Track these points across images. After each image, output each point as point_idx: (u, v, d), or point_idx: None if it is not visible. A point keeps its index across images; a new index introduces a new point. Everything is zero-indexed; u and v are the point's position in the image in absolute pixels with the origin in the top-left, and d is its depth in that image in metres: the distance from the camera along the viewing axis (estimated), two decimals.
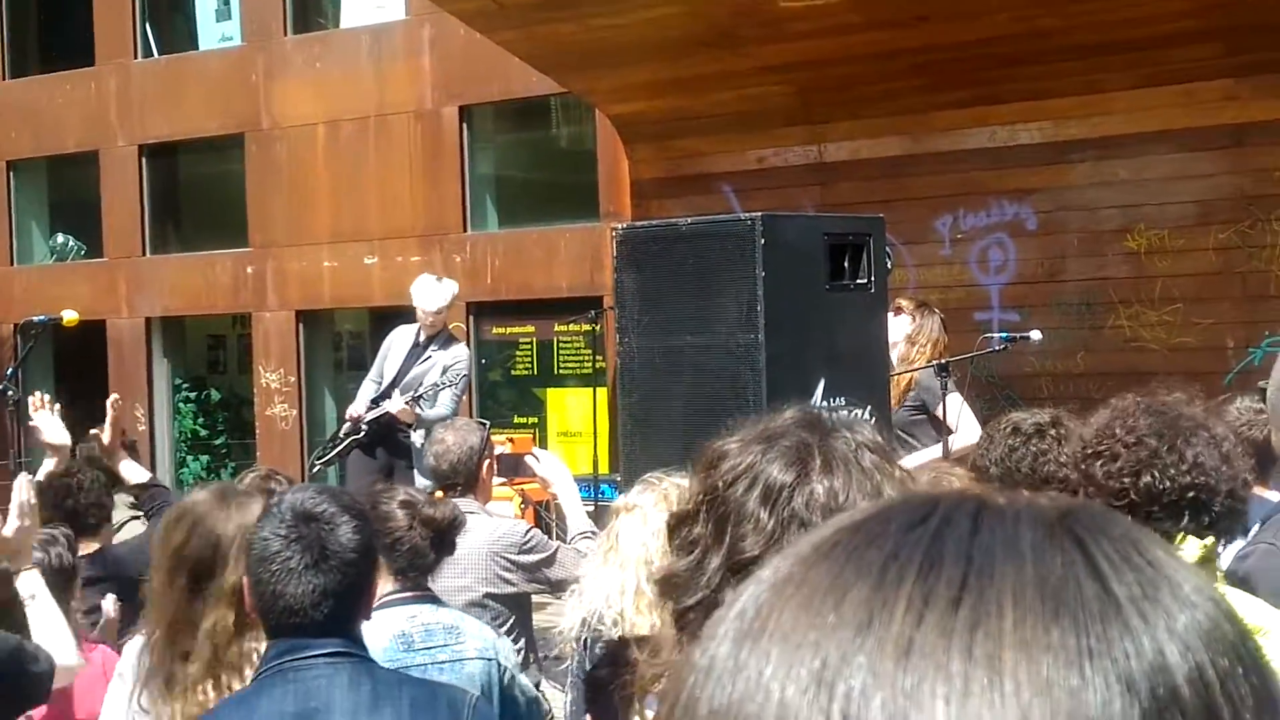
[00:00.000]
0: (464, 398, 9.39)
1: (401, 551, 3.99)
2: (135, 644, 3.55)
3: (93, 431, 5.82)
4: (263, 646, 2.93)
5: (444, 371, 8.79)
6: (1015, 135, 10.13)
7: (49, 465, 5.52)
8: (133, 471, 5.32)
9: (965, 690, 0.59)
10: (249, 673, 3.06)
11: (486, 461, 5.57)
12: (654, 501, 3.85)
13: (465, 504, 5.30)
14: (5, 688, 3.63)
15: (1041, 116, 9.95)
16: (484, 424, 5.81)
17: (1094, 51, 9.32)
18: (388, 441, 8.94)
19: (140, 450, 13.91)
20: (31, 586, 4.01)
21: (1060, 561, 0.63)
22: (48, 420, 5.41)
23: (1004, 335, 7.90)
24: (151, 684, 3.29)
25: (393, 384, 8.85)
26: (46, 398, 5.54)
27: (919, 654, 0.60)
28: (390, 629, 3.89)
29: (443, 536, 4.10)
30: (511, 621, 5.29)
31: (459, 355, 8.95)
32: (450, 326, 9.37)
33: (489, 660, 4.04)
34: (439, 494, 4.98)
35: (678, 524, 1.87)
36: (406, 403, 8.53)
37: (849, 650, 0.61)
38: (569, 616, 3.91)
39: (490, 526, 5.42)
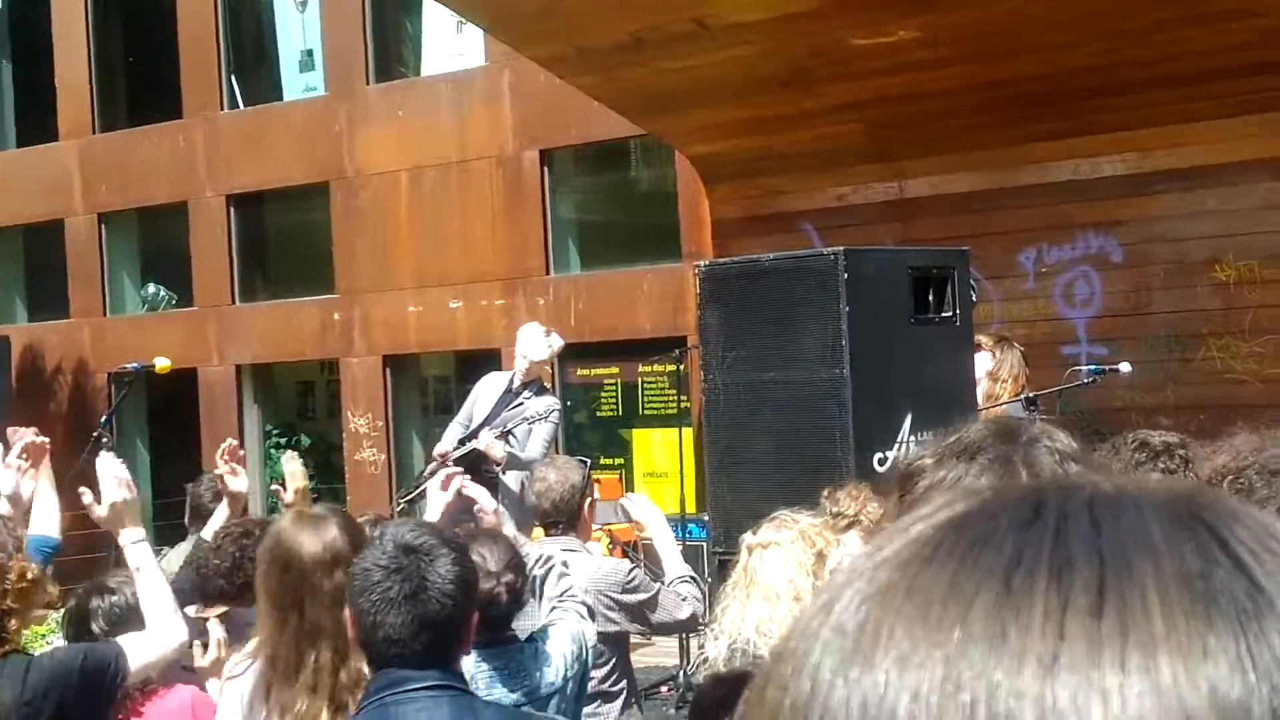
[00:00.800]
0: (554, 444, 9.35)
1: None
2: (241, 682, 3.59)
3: (216, 472, 5.93)
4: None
5: (532, 422, 8.70)
6: (1099, 167, 10.06)
7: (223, 514, 5.53)
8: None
9: (1123, 705, 0.54)
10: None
11: (588, 500, 5.60)
12: (791, 539, 3.95)
13: (567, 542, 5.35)
14: (83, 699, 3.71)
15: (1126, 148, 9.88)
16: (585, 462, 5.84)
17: (1180, 81, 9.25)
18: (473, 478, 8.83)
19: (241, 501, 14.04)
20: (138, 559, 4.10)
21: (1198, 554, 0.58)
22: (232, 470, 5.40)
23: (1093, 368, 7.83)
24: (269, 707, 3.32)
25: (481, 427, 8.79)
26: (235, 444, 5.53)
27: (1066, 668, 0.55)
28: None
29: (484, 614, 4.11)
30: (613, 662, 5.30)
31: (551, 404, 8.89)
32: (540, 382, 9.31)
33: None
34: (538, 533, 4.99)
35: None
36: (496, 438, 8.43)
37: (984, 668, 0.56)
38: (712, 648, 3.95)
39: (594, 565, 5.44)
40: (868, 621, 0.59)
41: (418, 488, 9.06)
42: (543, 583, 4.49)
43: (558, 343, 8.95)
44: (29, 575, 3.67)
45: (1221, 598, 0.56)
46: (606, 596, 5.30)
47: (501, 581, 4.04)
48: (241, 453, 5.55)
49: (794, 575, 3.85)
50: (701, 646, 4.07)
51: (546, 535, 5.50)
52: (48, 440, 5.20)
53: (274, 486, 5.52)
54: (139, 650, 3.89)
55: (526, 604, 4.33)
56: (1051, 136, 10.04)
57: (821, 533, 3.99)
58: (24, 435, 5.13)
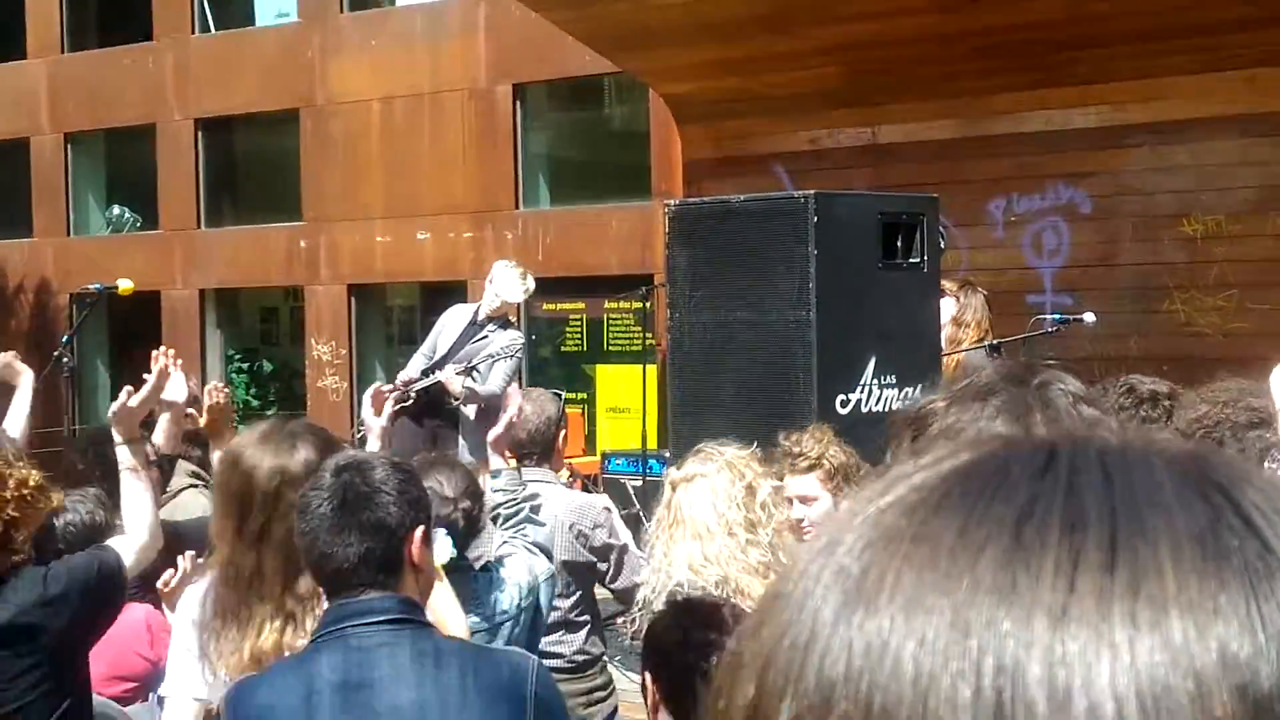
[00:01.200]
0: (516, 378, 9.36)
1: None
2: (195, 590, 3.59)
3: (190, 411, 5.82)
4: None
5: (496, 355, 8.74)
6: (1071, 119, 10.07)
7: (163, 424, 5.47)
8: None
9: (1132, 660, 0.55)
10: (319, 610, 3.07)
11: (562, 432, 5.63)
12: (718, 469, 3.89)
13: (541, 473, 5.38)
14: (98, 602, 3.72)
15: (1098, 100, 9.89)
16: (559, 395, 5.85)
17: (1154, 36, 9.25)
18: (435, 410, 8.86)
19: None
20: (128, 459, 4.09)
21: (1210, 514, 0.58)
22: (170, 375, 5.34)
23: (1057, 317, 7.88)
24: (217, 625, 3.30)
25: (445, 358, 8.80)
26: (171, 352, 5.45)
27: (1076, 621, 0.55)
28: None
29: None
30: (579, 594, 5.34)
31: (515, 338, 8.91)
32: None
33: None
34: (510, 462, 4.99)
35: None
36: (458, 374, 8.47)
37: (992, 617, 0.56)
38: (647, 588, 3.94)
39: (569, 498, 5.48)
40: (872, 566, 0.59)
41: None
42: (505, 520, 4.50)
43: (532, 285, 8.93)
44: (30, 483, 3.61)
45: (1233, 558, 0.56)
46: (577, 528, 5.34)
47: (459, 507, 4.05)
48: (179, 361, 5.38)
49: (724, 509, 3.80)
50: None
51: (519, 465, 5.52)
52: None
53: (190, 412, 5.43)
54: (127, 554, 3.91)
55: (482, 531, 4.34)
56: (1025, 87, 10.04)
57: (749, 464, 3.92)
58: None
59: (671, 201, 6.83)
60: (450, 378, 8.42)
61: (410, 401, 8.72)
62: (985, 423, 1.74)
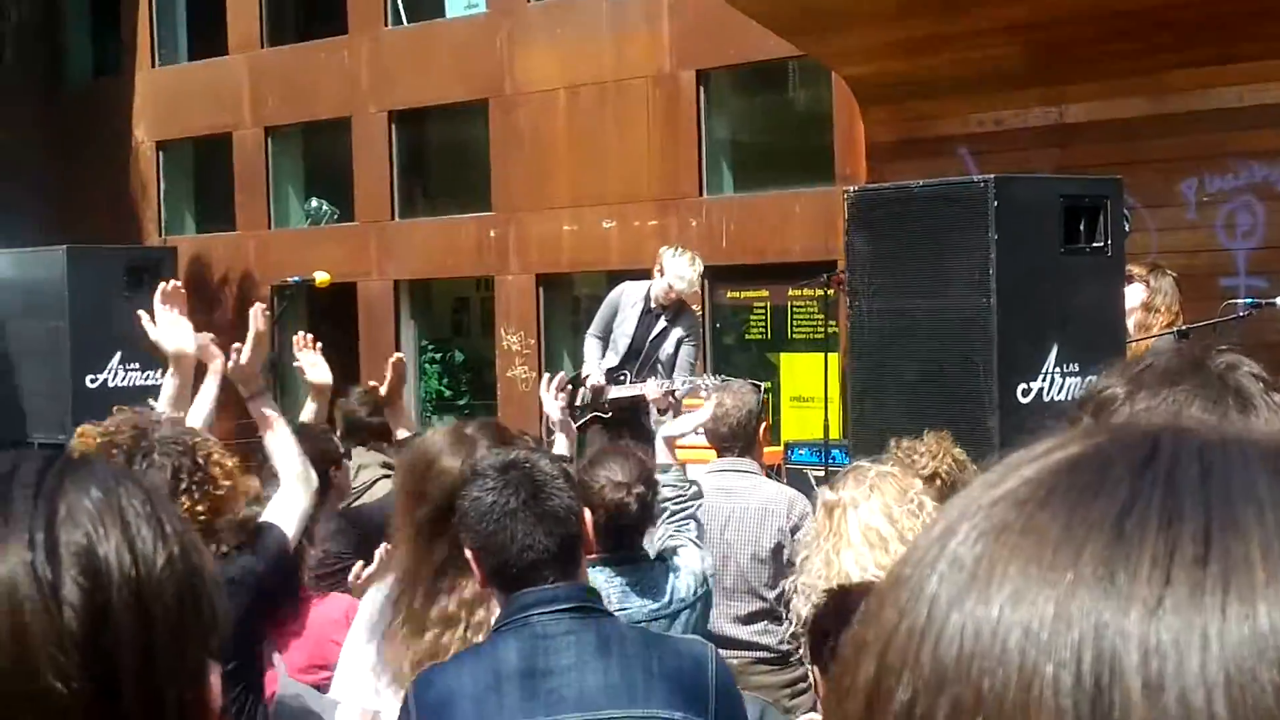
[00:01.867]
0: (698, 363, 9.41)
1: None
2: (377, 593, 3.67)
3: (371, 383, 6.08)
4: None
5: (679, 346, 8.69)
6: (1266, 93, 9.79)
7: (310, 409, 5.61)
8: (403, 425, 5.47)
9: (1221, 648, 0.59)
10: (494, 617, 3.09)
11: (763, 424, 5.78)
12: (865, 495, 3.64)
13: (745, 463, 5.51)
14: (271, 583, 3.70)
15: None
16: (759, 387, 5.96)
17: None
18: (633, 425, 8.56)
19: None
20: (264, 409, 4.09)
21: None
22: (311, 359, 5.38)
23: (1249, 301, 7.68)
24: (394, 628, 3.33)
25: (629, 355, 8.72)
26: (309, 336, 5.44)
27: (1170, 612, 0.59)
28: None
29: (613, 522, 4.12)
30: (784, 586, 5.46)
31: (694, 322, 8.87)
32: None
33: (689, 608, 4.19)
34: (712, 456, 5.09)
35: None
36: (663, 392, 8.28)
37: (1093, 609, 0.60)
38: (800, 598, 3.87)
39: (778, 489, 5.64)
40: (984, 557, 0.63)
41: (582, 416, 8.78)
42: (672, 515, 4.56)
43: (701, 267, 8.88)
44: (226, 472, 3.55)
45: None
46: (791, 519, 5.48)
47: (632, 492, 4.12)
48: (317, 344, 5.48)
49: (897, 515, 3.56)
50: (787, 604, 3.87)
51: (720, 457, 5.64)
52: (179, 283, 5.02)
53: (371, 383, 5.64)
54: (287, 513, 3.85)
55: (657, 520, 4.43)
56: (1214, 62, 9.79)
57: (903, 477, 3.66)
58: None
59: (851, 188, 6.84)
60: (655, 393, 8.26)
61: (608, 414, 8.62)
62: (1185, 408, 1.70)
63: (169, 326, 4.64)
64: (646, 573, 4.23)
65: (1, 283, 10.55)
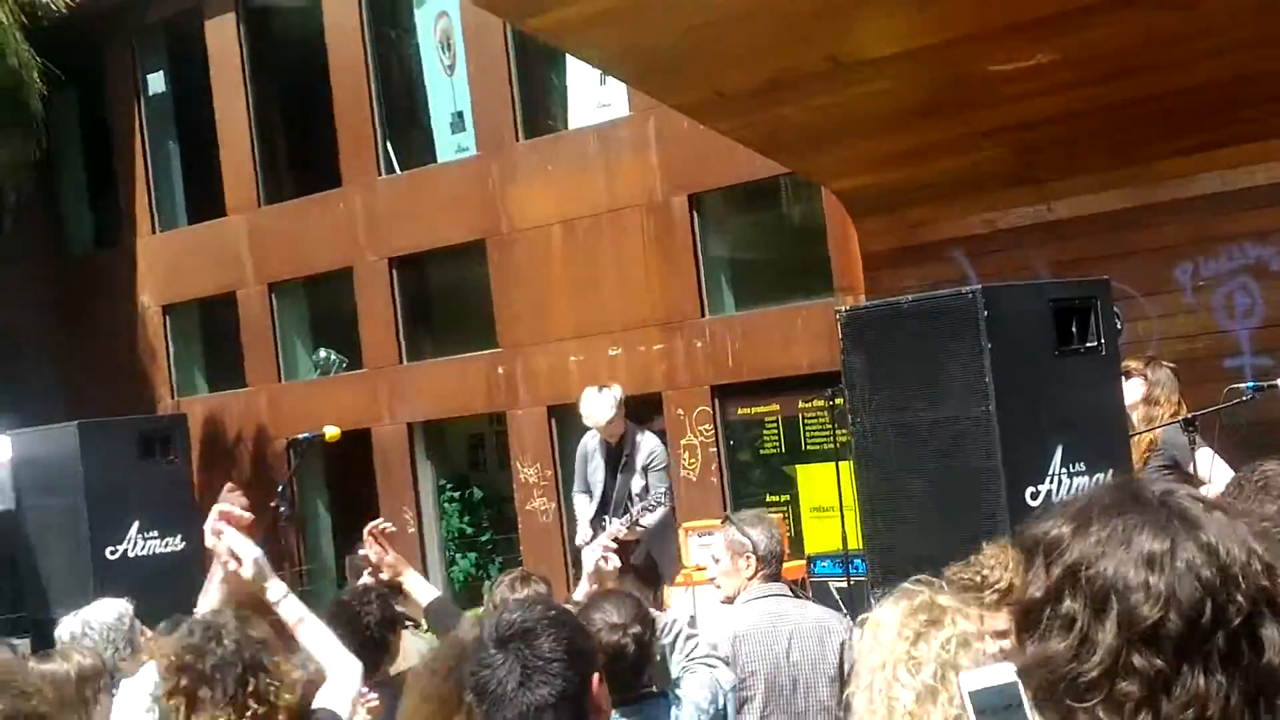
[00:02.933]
0: (669, 473, 9.62)
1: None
2: None
3: (362, 552, 5.90)
4: None
5: (645, 472, 8.99)
6: (1247, 177, 9.89)
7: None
8: (420, 588, 5.33)
9: None
10: None
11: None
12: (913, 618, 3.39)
13: (779, 588, 5.63)
14: None
15: (1271, 157, 9.70)
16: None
17: None
18: (644, 569, 9.16)
19: (410, 552, 14.44)
20: (294, 611, 4.18)
21: None
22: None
23: (1251, 385, 7.73)
24: None
25: (604, 500, 9.09)
26: (387, 526, 5.47)
27: None
28: None
29: (613, 664, 4.12)
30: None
31: (652, 447, 9.15)
32: (632, 424, 9.50)
33: None
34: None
35: (1030, 613, 1.77)
36: (628, 527, 8.76)
37: None
38: None
39: (820, 609, 5.75)
40: None
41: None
42: (671, 648, 4.61)
43: (614, 392, 9.19)
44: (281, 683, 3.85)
45: None
46: (843, 633, 5.63)
47: (628, 633, 4.15)
48: (390, 528, 5.48)
49: (886, 659, 3.28)
50: None
51: (760, 583, 5.73)
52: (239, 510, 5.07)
53: (362, 554, 5.50)
54: (338, 701, 4.02)
55: (657, 657, 4.46)
56: (1199, 149, 9.90)
57: (948, 611, 3.34)
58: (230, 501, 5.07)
59: (841, 307, 6.91)
60: (620, 533, 8.65)
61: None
62: (1129, 535, 1.72)
63: (233, 538, 4.54)
64: (649, 710, 4.26)
65: (18, 462, 10.67)
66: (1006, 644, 3.55)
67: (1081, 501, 1.81)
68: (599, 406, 8.99)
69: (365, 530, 5.41)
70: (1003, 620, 3.75)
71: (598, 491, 9.16)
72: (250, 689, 3.74)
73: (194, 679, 3.82)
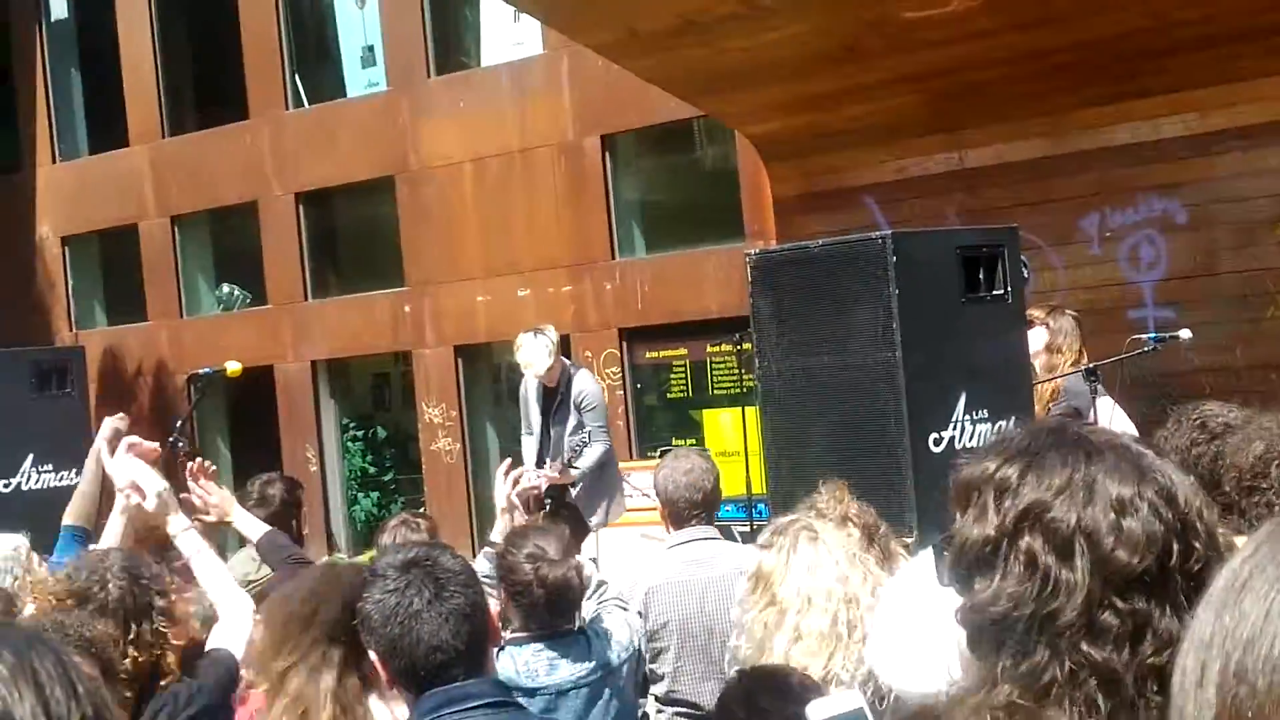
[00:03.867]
0: (607, 413, 9.49)
1: (521, 604, 4.15)
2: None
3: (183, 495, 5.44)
4: (396, 710, 3.00)
5: (579, 410, 8.89)
6: (1159, 129, 9.95)
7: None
8: (249, 525, 5.11)
9: None
10: None
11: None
12: (802, 542, 3.65)
13: (708, 530, 5.54)
14: (225, 708, 3.84)
15: (1184, 109, 9.76)
16: (706, 451, 6.08)
17: (1233, 39, 9.13)
18: (561, 503, 9.06)
19: (312, 490, 14.27)
20: (191, 545, 4.22)
21: None
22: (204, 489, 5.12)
23: (1153, 336, 7.79)
24: None
25: (542, 443, 9.00)
26: (207, 463, 5.26)
27: None
28: (514, 663, 4.08)
29: (560, 597, 4.19)
30: None
31: (584, 387, 9.01)
32: (568, 363, 9.34)
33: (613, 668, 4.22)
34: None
35: (975, 551, 1.74)
36: (559, 471, 8.65)
37: None
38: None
39: (739, 551, 5.67)
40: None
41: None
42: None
43: (550, 335, 8.93)
44: (176, 613, 3.80)
45: None
46: None
47: (571, 566, 4.16)
48: (212, 466, 5.27)
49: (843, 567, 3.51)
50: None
51: (687, 526, 5.64)
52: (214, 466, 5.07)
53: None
54: (233, 640, 4.00)
55: (587, 591, 4.47)
56: (1109, 100, 9.94)
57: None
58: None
59: (750, 251, 6.86)
60: (554, 476, 8.56)
61: (548, 508, 8.90)
62: (1099, 478, 1.71)
63: (138, 470, 4.54)
64: (574, 643, 4.26)
65: None
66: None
67: (1020, 441, 1.78)
68: (538, 354, 8.76)
69: (187, 470, 5.15)
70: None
71: (538, 432, 9.06)
72: (133, 635, 3.66)
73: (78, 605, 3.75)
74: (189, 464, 5.16)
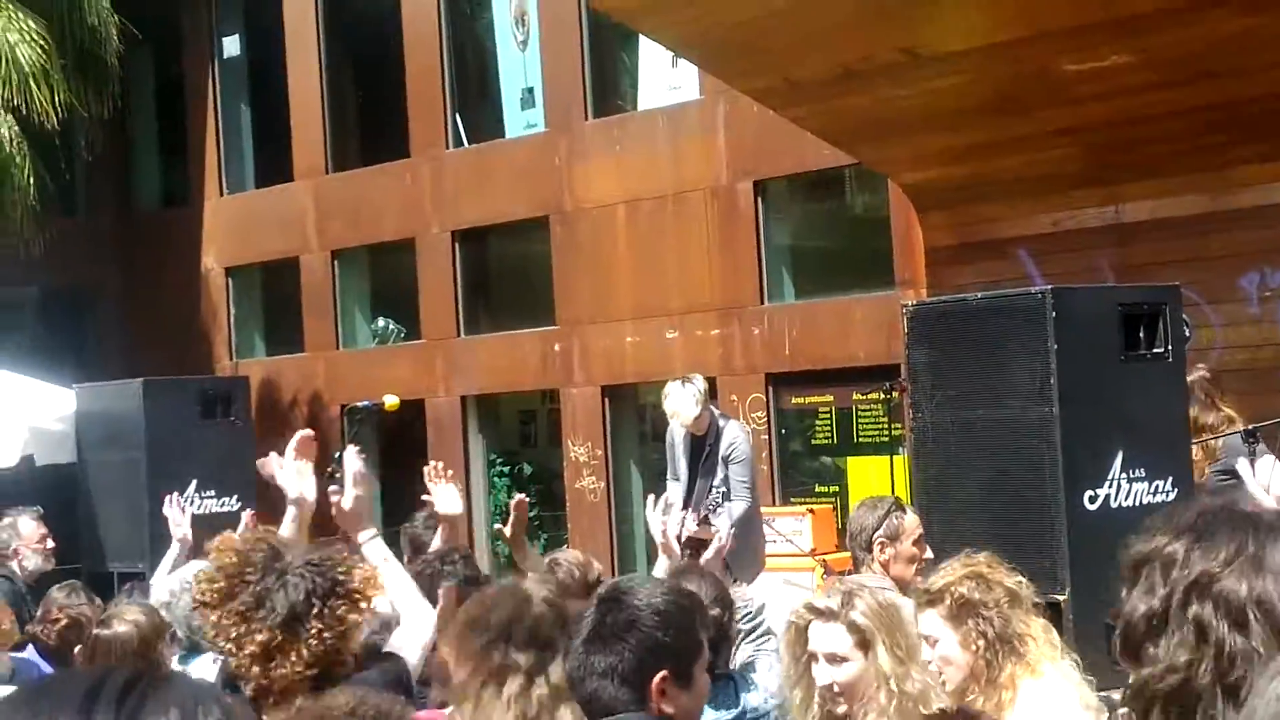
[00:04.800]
0: (755, 470, 9.38)
1: None
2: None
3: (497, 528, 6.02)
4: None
5: (726, 464, 8.80)
6: None
7: (437, 541, 5.67)
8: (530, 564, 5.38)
9: None
10: None
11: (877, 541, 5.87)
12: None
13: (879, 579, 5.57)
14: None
15: None
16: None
17: None
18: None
19: (458, 524, 14.47)
20: (379, 552, 4.24)
21: None
22: (444, 491, 5.59)
23: None
24: None
25: (688, 494, 8.88)
26: (440, 466, 5.70)
27: None
28: None
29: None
30: None
31: (734, 439, 8.93)
32: (717, 414, 9.29)
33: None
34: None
35: (1145, 624, 1.77)
36: (698, 523, 8.49)
37: None
38: None
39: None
40: None
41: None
42: (746, 634, 4.65)
43: (698, 384, 8.88)
44: (356, 597, 3.65)
45: None
46: None
47: (724, 609, 4.22)
48: (449, 473, 5.63)
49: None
50: None
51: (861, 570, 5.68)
52: (312, 433, 5.20)
53: (497, 527, 5.69)
54: (410, 646, 4.05)
55: (735, 639, 4.51)
56: (1269, 158, 9.83)
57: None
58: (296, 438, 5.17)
59: (909, 302, 6.93)
60: (693, 529, 8.39)
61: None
62: (1262, 554, 1.74)
63: (295, 473, 4.73)
64: (721, 688, 4.32)
65: (82, 416, 10.80)
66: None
67: (1187, 517, 1.81)
68: (685, 403, 8.73)
69: (427, 473, 5.51)
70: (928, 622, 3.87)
71: (683, 482, 8.99)
72: (320, 604, 3.53)
73: (261, 573, 3.60)
74: (426, 468, 5.39)
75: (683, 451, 8.99)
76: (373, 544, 4.29)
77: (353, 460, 4.40)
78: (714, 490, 8.76)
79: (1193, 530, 1.78)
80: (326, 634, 3.51)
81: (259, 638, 3.49)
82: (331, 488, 4.39)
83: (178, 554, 7.52)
